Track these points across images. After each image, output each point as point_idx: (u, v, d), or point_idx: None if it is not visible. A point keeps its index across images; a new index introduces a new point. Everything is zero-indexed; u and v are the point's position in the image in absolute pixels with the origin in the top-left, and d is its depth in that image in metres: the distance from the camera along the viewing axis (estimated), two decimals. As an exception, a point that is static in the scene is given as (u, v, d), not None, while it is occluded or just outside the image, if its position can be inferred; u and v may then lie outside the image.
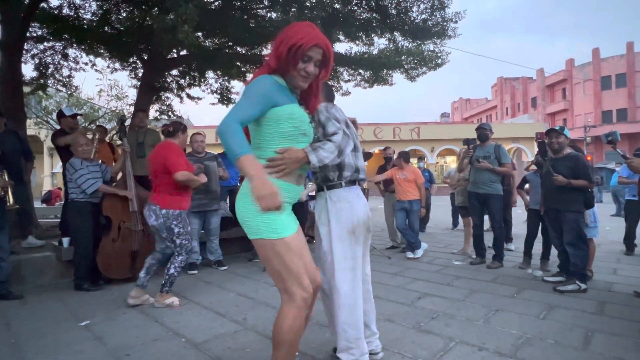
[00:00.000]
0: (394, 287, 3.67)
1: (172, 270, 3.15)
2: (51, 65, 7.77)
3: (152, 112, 8.55)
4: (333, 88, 9.31)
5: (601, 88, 33.32)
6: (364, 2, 6.79)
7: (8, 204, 3.33)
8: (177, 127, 3.37)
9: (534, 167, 4.79)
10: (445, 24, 7.28)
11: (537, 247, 4.40)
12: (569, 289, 3.40)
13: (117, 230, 3.90)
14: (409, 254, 5.05)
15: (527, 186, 4.80)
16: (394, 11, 6.94)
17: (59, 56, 7.76)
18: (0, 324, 2.85)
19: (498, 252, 4.48)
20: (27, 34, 6.44)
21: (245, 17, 7.11)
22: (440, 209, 10.89)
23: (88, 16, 7.28)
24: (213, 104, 9.64)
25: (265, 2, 6.91)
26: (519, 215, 6.41)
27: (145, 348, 2.38)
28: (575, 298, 3.25)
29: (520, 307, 3.03)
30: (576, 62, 35.64)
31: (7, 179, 3.32)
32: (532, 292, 3.43)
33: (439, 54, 8.05)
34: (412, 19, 7.09)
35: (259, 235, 1.55)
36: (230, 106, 9.30)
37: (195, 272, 4.35)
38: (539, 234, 4.39)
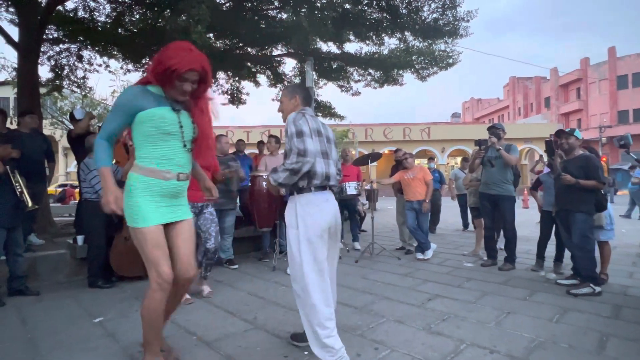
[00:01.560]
0: (403, 288, 3.65)
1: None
2: (66, 67, 7.92)
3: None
4: (343, 88, 9.33)
5: (617, 87, 32.59)
6: (374, 2, 6.77)
7: (28, 205, 3.41)
8: None
9: (539, 167, 4.72)
10: (456, 23, 7.22)
11: (550, 249, 4.33)
12: (582, 292, 3.34)
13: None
14: (419, 255, 5.02)
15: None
16: (404, 11, 6.91)
17: (74, 58, 7.91)
18: (16, 319, 2.92)
19: (510, 254, 4.42)
20: (44, 37, 6.58)
21: (256, 18, 7.15)
22: (451, 210, 10.79)
23: (102, 18, 7.41)
24: (224, 104, 9.72)
25: (276, 3, 6.94)
26: (532, 216, 6.32)
27: (157, 345, 2.40)
28: (589, 301, 3.19)
29: (532, 310, 2.99)
30: (591, 61, 34.95)
31: (19, 180, 3.39)
32: (545, 295, 3.38)
33: (450, 54, 7.98)
34: (423, 18, 7.05)
35: (129, 223, 1.85)
36: (241, 107, 9.39)
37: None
38: (552, 236, 4.32)
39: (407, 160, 5.25)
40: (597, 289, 3.34)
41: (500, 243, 4.96)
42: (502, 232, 4.92)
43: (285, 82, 9.54)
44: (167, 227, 1.93)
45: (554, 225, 4.21)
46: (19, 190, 3.35)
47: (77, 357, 2.25)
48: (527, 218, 8.69)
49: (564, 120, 36.27)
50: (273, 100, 9.54)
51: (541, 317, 2.82)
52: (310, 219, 2.09)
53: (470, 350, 2.29)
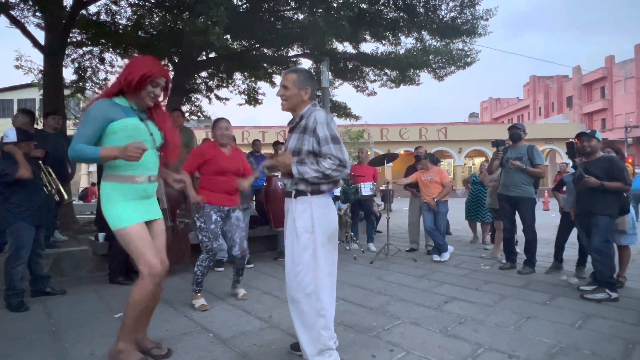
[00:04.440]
0: (419, 290, 3.61)
1: (194, 269, 3.17)
2: (89, 69, 8.18)
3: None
4: (358, 88, 9.30)
5: (644, 86, 31.42)
6: (391, 2, 6.72)
7: (63, 198, 3.48)
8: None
9: (569, 169, 4.59)
10: (475, 21, 7.10)
11: (573, 252, 4.21)
12: (597, 298, 3.24)
13: (149, 227, 4.05)
14: (435, 257, 4.96)
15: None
16: (422, 10, 6.84)
17: (97, 60, 8.15)
18: (42, 313, 3.03)
19: (530, 257, 4.31)
20: (68, 40, 6.79)
21: (272, 19, 7.21)
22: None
23: (123, 21, 7.61)
24: (240, 104, 9.83)
25: (292, 4, 6.97)
26: (552, 219, 6.15)
27: (175, 341, 2.45)
28: (614, 308, 3.08)
29: (553, 315, 2.91)
30: (616, 58, 33.78)
31: (52, 175, 3.46)
32: (567, 300, 3.28)
33: (468, 53, 7.86)
34: (441, 17, 6.96)
35: (113, 226, 1.99)
36: (257, 107, 9.48)
37: (222, 269, 4.45)
38: (575, 240, 4.20)
39: (422, 161, 5.19)
40: (614, 294, 3.23)
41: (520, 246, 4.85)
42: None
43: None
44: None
45: (574, 227, 4.10)
46: (51, 188, 3.41)
47: (99, 350, 2.31)
48: (547, 220, 8.47)
49: (587, 120, 35.18)
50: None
51: (562, 323, 2.75)
52: (326, 220, 2.03)
53: (487, 355, 2.24)
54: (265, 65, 8.74)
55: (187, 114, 9.45)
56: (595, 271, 3.42)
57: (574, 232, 4.14)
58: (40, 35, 6.29)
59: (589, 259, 3.84)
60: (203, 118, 9.88)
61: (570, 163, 4.22)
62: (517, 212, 4.41)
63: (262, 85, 9.90)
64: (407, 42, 7.93)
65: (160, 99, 2.15)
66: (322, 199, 2.04)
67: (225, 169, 3.19)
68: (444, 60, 7.82)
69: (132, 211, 2.01)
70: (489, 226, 6.01)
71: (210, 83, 9.58)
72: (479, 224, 6.32)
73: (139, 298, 2.00)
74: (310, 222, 2.00)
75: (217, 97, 9.86)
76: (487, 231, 6.11)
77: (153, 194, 2.17)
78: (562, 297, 3.38)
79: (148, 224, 2.10)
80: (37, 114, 5.64)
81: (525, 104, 44.67)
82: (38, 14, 6.62)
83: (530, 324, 2.73)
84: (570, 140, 3.81)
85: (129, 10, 7.55)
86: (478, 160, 27.62)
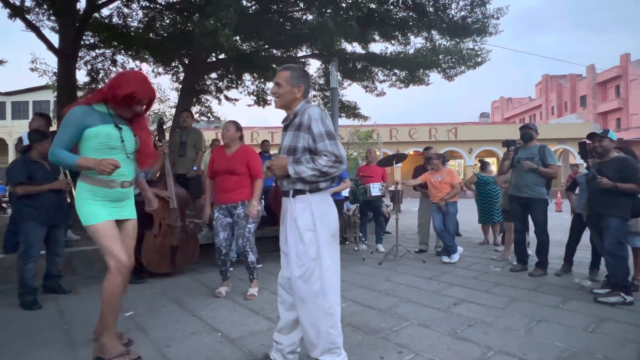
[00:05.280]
0: (428, 292, 3.58)
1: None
2: (102, 71, 8.31)
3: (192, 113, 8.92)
4: (367, 88, 9.28)
5: (661, 85, 30.67)
6: (400, 1, 6.68)
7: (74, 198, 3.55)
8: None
9: (582, 169, 4.51)
10: (485, 20, 7.02)
11: (586, 254, 4.13)
12: (611, 301, 3.17)
13: (159, 227, 4.10)
14: (445, 259, 4.91)
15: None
16: (431, 9, 6.79)
17: (109, 62, 8.28)
18: (54, 311, 3.08)
19: (542, 259, 4.25)
20: (81, 42, 6.92)
21: (281, 20, 7.23)
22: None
23: (135, 24, 7.71)
24: (249, 105, 9.90)
25: (301, 5, 6.99)
26: (565, 220, 6.06)
27: (184, 340, 2.48)
28: (628, 311, 3.02)
29: (565, 318, 2.86)
30: (632, 56, 33.03)
31: (68, 177, 3.52)
32: (579, 303, 3.22)
33: (478, 52, 7.78)
34: (451, 16, 6.90)
35: (85, 223, 2.13)
36: (266, 107, 9.54)
37: (231, 269, 4.47)
38: (589, 242, 4.12)
39: (433, 162, 5.15)
40: (629, 298, 3.17)
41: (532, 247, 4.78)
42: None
43: (310, 83, 9.58)
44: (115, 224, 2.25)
45: (586, 229, 4.02)
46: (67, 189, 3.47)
47: (110, 349, 2.34)
48: (560, 222, 8.33)
49: (602, 119, 34.48)
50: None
51: (575, 326, 2.70)
52: (327, 218, 1.99)
53: (497, 358, 2.21)
54: (274, 66, 8.77)
55: (196, 115, 9.54)
56: (609, 274, 3.35)
57: (587, 234, 4.06)
58: (55, 39, 6.42)
59: (603, 261, 3.77)
60: (212, 119, 9.96)
61: (582, 164, 4.13)
62: (528, 214, 4.35)
63: (271, 86, 9.96)
64: (417, 41, 7.89)
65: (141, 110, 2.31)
66: (321, 197, 2.00)
67: (218, 169, 3.41)
68: (454, 60, 7.75)
69: (102, 210, 2.15)
70: (498, 226, 5.95)
71: (220, 84, 9.66)
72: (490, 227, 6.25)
73: (112, 291, 2.14)
74: (312, 220, 1.96)
75: (227, 98, 9.94)
76: (497, 232, 6.04)
77: (127, 196, 2.29)
78: (574, 300, 3.32)
79: (120, 223, 2.26)
80: (51, 115, 5.75)
81: (538, 104, 43.97)
82: (52, 17, 6.76)
83: (541, 327, 2.69)
84: (583, 140, 3.73)
85: (140, 12, 7.67)
86: (490, 161, 27.39)
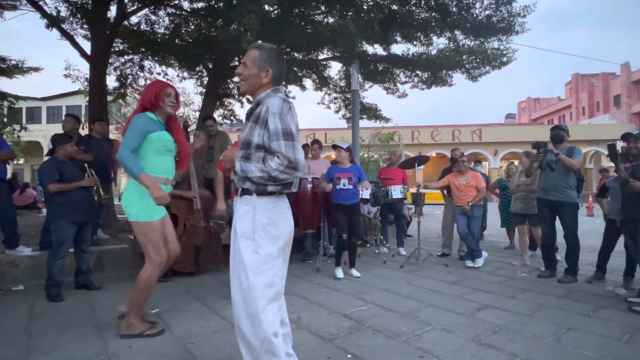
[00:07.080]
0: (451, 297, 3.51)
1: None
2: (130, 76, 8.62)
3: (215, 117, 9.11)
4: (389, 90, 9.20)
5: (703, 82, 28.91)
6: (422, 2, 6.61)
7: (101, 197, 3.75)
8: None
9: (612, 173, 4.31)
10: (511, 19, 6.84)
11: (621, 261, 3.94)
12: None
13: (183, 227, 4.20)
14: (469, 263, 4.80)
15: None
16: (454, 9, 6.68)
17: (137, 67, 8.58)
18: (86, 307, 3.22)
19: (571, 265, 4.08)
20: (111, 49, 7.21)
21: (303, 23, 7.29)
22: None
23: (161, 30, 7.96)
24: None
25: (323, 8, 7.02)
26: (597, 225, 5.80)
27: (208, 338, 2.53)
28: (666, 322, 2.86)
29: (597, 328, 2.74)
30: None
31: (94, 176, 3.73)
32: (613, 312, 3.08)
33: (504, 52, 7.57)
34: (475, 15, 6.77)
35: (136, 218, 2.41)
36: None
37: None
38: (623, 248, 3.93)
39: (463, 164, 5.02)
40: None
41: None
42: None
43: (331, 85, 9.61)
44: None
45: (620, 236, 3.84)
46: (94, 187, 3.67)
47: (137, 344, 2.43)
48: (591, 227, 7.98)
49: (638, 120, 32.82)
50: (318, 103, 9.67)
51: (607, 336, 2.58)
52: (274, 229, 1.67)
53: (524, 366, 2.15)
54: (295, 69, 8.85)
55: (220, 118, 9.74)
56: None
57: (622, 240, 3.88)
58: (87, 46, 6.72)
59: (638, 268, 3.59)
60: (235, 122, 10.14)
61: (613, 166, 3.95)
62: (558, 218, 4.19)
63: (292, 89, 10.03)
64: (440, 42, 7.78)
65: (175, 109, 2.61)
66: (269, 202, 1.68)
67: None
68: (478, 60, 7.59)
69: (156, 207, 2.42)
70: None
71: (243, 88, 9.81)
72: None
73: (149, 280, 2.45)
74: (251, 226, 1.65)
75: (249, 102, 10.10)
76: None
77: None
78: (607, 308, 3.17)
79: (162, 218, 2.54)
80: (82, 119, 6.01)
81: (567, 104, 42.33)
82: (85, 26, 7.07)
83: (570, 335, 2.59)
84: (612, 142, 3.57)
85: (166, 19, 7.91)
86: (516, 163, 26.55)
